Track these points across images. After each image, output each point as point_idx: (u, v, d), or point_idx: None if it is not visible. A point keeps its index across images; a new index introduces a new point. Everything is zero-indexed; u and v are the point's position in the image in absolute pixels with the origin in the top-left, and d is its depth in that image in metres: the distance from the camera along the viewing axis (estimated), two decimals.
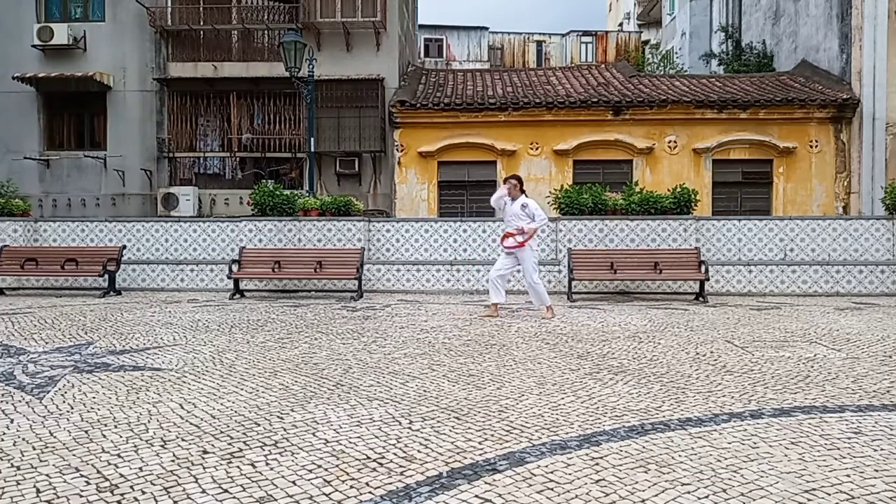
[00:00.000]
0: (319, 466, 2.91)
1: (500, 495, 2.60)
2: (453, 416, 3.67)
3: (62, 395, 4.14)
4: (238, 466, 2.91)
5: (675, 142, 15.86)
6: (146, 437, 3.31)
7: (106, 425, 3.50)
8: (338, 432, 3.39)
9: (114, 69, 16.82)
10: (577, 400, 4.04)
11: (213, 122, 17.32)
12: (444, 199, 16.05)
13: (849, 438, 3.30)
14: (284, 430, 3.43)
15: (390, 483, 2.72)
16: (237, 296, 10.49)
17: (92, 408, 3.84)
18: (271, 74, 16.27)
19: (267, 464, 2.94)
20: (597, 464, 2.94)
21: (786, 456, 3.04)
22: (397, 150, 16.11)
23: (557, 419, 3.62)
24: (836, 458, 3.01)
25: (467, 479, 2.77)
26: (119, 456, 3.04)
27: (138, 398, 4.06)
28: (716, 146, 15.73)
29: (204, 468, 2.89)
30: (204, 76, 16.68)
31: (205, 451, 3.10)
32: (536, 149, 15.99)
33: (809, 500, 2.57)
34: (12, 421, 3.58)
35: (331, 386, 4.40)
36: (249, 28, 16.87)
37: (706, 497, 2.59)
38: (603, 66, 22.47)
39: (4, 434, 3.35)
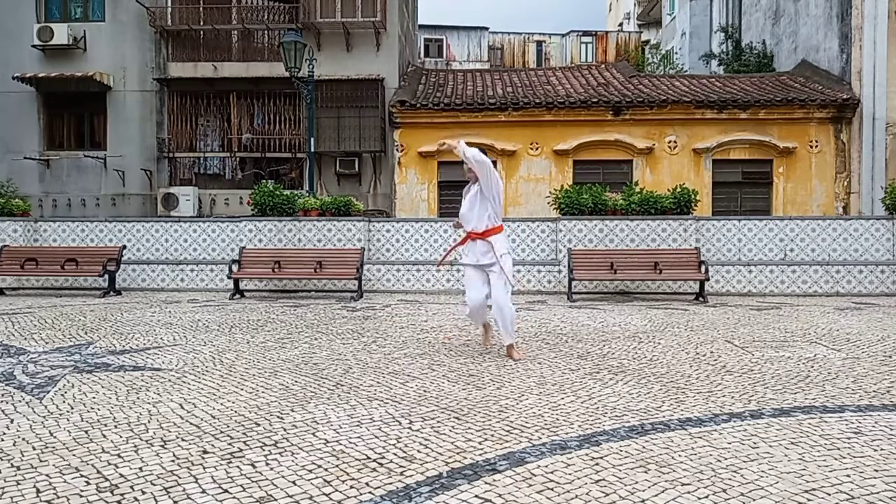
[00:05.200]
0: (319, 466, 2.91)
1: (500, 495, 2.60)
2: (453, 416, 3.67)
3: (62, 395, 4.14)
4: (238, 466, 2.91)
5: (675, 142, 15.86)
6: (146, 437, 3.31)
7: (106, 425, 3.50)
8: (338, 432, 3.39)
9: (114, 69, 16.82)
10: (577, 400, 4.04)
11: (213, 122, 17.33)
12: (444, 199, 16.04)
13: (849, 438, 3.29)
14: (284, 430, 3.43)
15: (390, 483, 2.72)
16: (237, 296, 10.48)
17: (92, 408, 3.84)
18: (271, 74, 16.27)
19: (267, 464, 2.94)
20: (597, 464, 2.94)
21: (786, 456, 3.04)
22: (397, 150, 16.12)
23: (557, 419, 3.62)
24: (836, 458, 3.01)
25: (467, 479, 2.77)
26: (119, 456, 3.04)
27: (138, 398, 4.06)
28: (716, 146, 15.73)
29: (204, 468, 2.89)
30: (204, 76, 16.68)
31: (205, 451, 3.09)
32: (536, 149, 15.99)
33: (809, 500, 2.57)
34: (12, 421, 3.58)
35: (331, 386, 4.40)
36: (249, 28, 16.88)
37: (706, 497, 2.59)
38: (603, 66, 22.47)
39: (4, 434, 3.35)
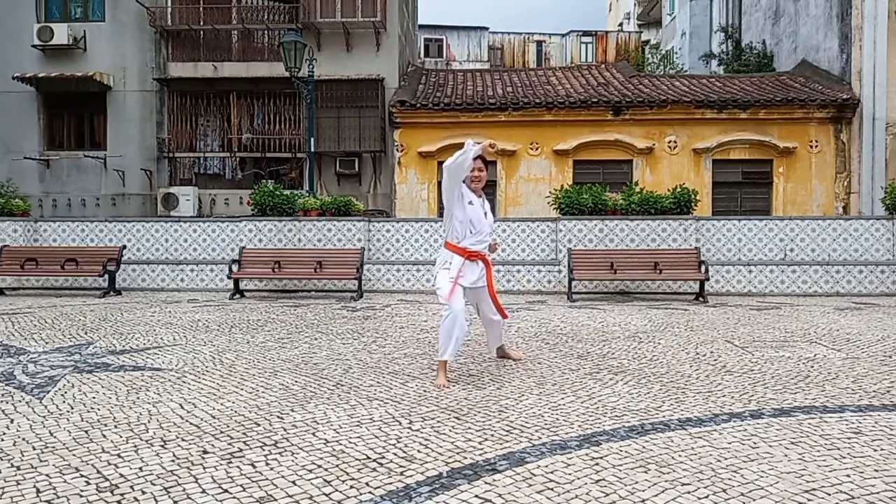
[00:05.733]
0: (319, 466, 2.91)
1: (500, 495, 2.60)
2: (453, 416, 3.67)
3: (62, 395, 4.14)
4: (238, 466, 2.91)
5: (675, 142, 15.86)
6: (146, 437, 3.31)
7: (106, 425, 3.50)
8: (338, 432, 3.39)
9: (114, 69, 16.82)
10: (577, 400, 4.04)
11: (213, 122, 17.32)
12: None
13: (849, 438, 3.29)
14: (284, 430, 3.43)
15: (390, 483, 2.72)
16: (237, 296, 10.48)
17: (92, 408, 3.84)
18: (271, 74, 16.27)
19: (267, 464, 2.94)
20: (597, 464, 2.94)
21: (786, 456, 3.04)
22: (397, 150, 16.12)
23: (557, 419, 3.62)
24: (836, 458, 3.01)
25: (467, 479, 2.77)
26: (119, 456, 3.04)
27: (138, 398, 4.06)
28: (716, 146, 15.73)
29: (204, 468, 2.89)
30: (204, 76, 16.68)
31: (205, 451, 3.10)
32: (536, 149, 15.98)
33: (809, 500, 2.57)
34: (12, 421, 3.58)
35: (331, 386, 4.40)
36: (249, 28, 16.87)
37: (706, 497, 2.59)
38: (603, 66, 22.47)
39: (4, 434, 3.35)
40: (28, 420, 3.59)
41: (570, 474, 2.81)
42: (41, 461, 2.97)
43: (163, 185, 16.69)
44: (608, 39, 39.44)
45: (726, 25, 23.42)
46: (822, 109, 15.57)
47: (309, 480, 2.75)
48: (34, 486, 2.69)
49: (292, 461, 2.97)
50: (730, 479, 2.77)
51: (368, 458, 3.01)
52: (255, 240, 11.48)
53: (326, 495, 2.60)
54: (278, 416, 3.67)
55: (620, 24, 43.32)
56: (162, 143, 16.87)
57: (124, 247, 11.41)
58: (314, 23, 16.23)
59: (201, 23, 16.73)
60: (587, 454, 3.06)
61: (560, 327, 7.15)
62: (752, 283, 11.00)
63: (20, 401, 3.99)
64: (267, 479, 2.77)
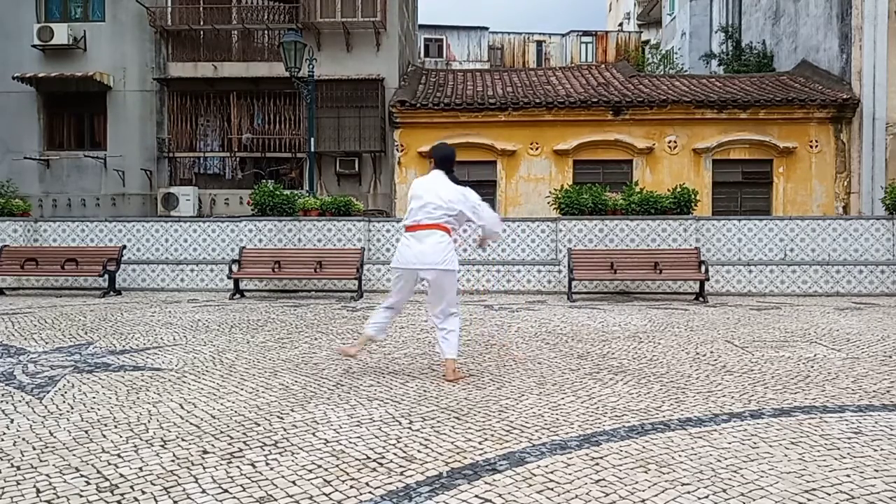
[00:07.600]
0: (319, 466, 2.91)
1: (500, 495, 2.60)
2: (453, 416, 3.67)
3: (62, 395, 4.14)
4: (238, 466, 2.91)
5: (675, 142, 15.86)
6: (146, 437, 3.31)
7: (106, 425, 3.50)
8: (338, 432, 3.39)
9: (114, 69, 16.82)
10: (577, 400, 4.04)
11: (213, 122, 17.32)
12: None
13: (849, 438, 3.29)
14: (284, 430, 3.43)
15: (390, 483, 2.72)
16: (237, 296, 10.48)
17: (92, 408, 3.84)
18: (271, 74, 16.27)
19: (267, 464, 2.94)
20: (597, 464, 2.94)
21: (786, 456, 3.04)
22: (397, 149, 16.12)
23: (557, 419, 3.62)
24: (836, 458, 3.01)
25: (467, 479, 2.77)
26: (119, 456, 3.04)
27: (138, 398, 4.06)
28: (716, 146, 15.73)
29: (204, 468, 2.89)
30: (204, 76, 16.68)
31: (205, 451, 3.09)
32: (536, 149, 15.98)
33: (809, 500, 2.57)
34: (12, 421, 3.58)
35: (331, 386, 4.40)
36: (249, 28, 16.87)
37: (706, 497, 2.59)
38: (603, 66, 22.47)
39: (4, 434, 3.35)
40: (28, 420, 3.59)
41: (570, 474, 2.81)
42: (41, 461, 2.97)
43: (163, 185, 16.69)
44: (608, 39, 39.44)
45: (726, 25, 23.42)
46: (822, 109, 15.58)
47: (309, 480, 2.75)
48: (34, 486, 2.69)
49: (292, 461, 2.97)
50: (730, 479, 2.77)
51: (368, 458, 3.01)
52: (255, 240, 11.48)
53: (326, 495, 2.60)
54: (278, 416, 3.67)
55: (620, 24, 43.31)
56: (162, 143, 16.87)
57: (124, 247, 11.41)
58: (314, 23, 16.24)
59: (201, 23, 16.73)
60: (587, 454, 3.06)
61: (560, 327, 7.15)
62: (752, 283, 11.00)
63: (20, 401, 3.99)
64: (267, 479, 2.77)
